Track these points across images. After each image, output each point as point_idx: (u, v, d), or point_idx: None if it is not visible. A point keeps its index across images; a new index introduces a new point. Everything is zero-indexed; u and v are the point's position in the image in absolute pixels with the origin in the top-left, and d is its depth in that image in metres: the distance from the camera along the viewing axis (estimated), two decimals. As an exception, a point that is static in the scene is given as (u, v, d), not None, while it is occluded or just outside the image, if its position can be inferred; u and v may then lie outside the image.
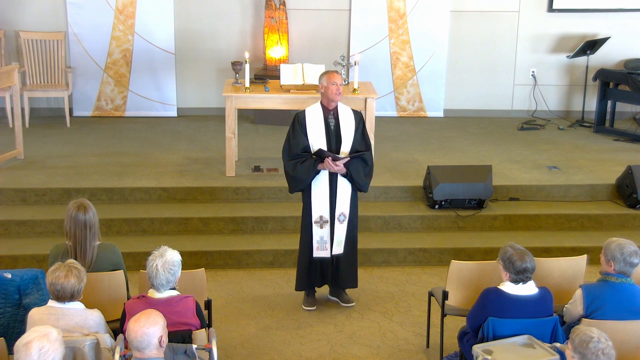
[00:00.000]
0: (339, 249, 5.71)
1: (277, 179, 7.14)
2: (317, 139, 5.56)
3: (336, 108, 5.61)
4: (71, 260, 4.14)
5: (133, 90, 9.27)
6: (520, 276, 4.27)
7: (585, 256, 5.07)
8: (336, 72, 5.62)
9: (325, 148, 5.54)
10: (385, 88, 9.42)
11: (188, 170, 7.47)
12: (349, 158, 5.50)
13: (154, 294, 4.12)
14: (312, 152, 5.54)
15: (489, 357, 4.01)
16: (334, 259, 5.72)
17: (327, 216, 5.64)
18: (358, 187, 5.64)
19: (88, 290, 4.23)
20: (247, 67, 7.17)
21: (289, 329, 5.54)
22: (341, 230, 5.68)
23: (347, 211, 5.66)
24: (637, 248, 4.38)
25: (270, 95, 7.17)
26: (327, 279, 5.78)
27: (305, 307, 5.81)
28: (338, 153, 5.56)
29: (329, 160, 5.46)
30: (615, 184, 7.28)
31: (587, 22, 9.53)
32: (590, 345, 3.49)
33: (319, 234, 5.67)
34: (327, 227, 5.65)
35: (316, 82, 6.98)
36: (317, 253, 5.69)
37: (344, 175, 5.57)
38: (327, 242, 5.68)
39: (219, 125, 8.59)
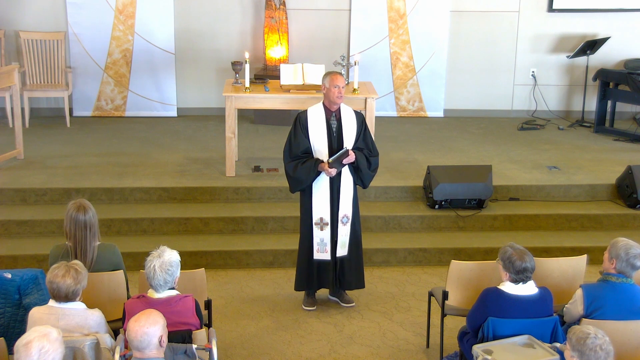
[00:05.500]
0: (342, 251, 5.70)
1: (277, 179, 7.14)
2: (318, 140, 5.55)
3: (339, 109, 5.60)
4: (75, 262, 4.13)
5: (133, 90, 9.27)
6: (520, 276, 4.27)
7: (585, 256, 5.07)
8: (339, 73, 5.58)
9: (326, 149, 5.54)
10: (385, 88, 9.42)
11: (188, 170, 7.47)
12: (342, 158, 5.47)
13: (153, 294, 4.12)
14: (314, 156, 5.55)
15: (489, 357, 4.01)
16: (338, 261, 5.71)
17: (327, 218, 5.63)
18: (361, 180, 5.63)
19: (88, 291, 4.23)
20: (247, 67, 7.17)
21: (289, 329, 5.54)
22: (344, 232, 5.67)
23: (349, 213, 5.65)
24: None
25: (270, 95, 7.17)
26: (325, 282, 5.76)
27: (305, 307, 5.81)
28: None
29: (325, 165, 5.46)
30: (615, 184, 7.28)
31: (587, 22, 9.53)
32: (588, 342, 3.50)
33: (319, 236, 5.66)
34: (328, 229, 5.64)
35: (316, 82, 7.01)
36: (317, 255, 5.68)
37: (351, 164, 5.54)
38: (328, 245, 5.67)
39: (219, 125, 8.59)
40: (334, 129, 5.58)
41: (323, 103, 5.62)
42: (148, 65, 9.19)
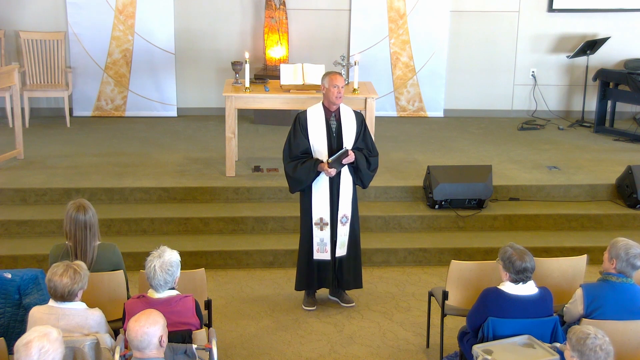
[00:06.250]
0: (341, 250, 5.70)
1: (277, 179, 7.14)
2: (318, 141, 5.55)
3: (338, 110, 5.60)
4: (77, 262, 4.12)
5: (133, 90, 9.27)
6: (520, 276, 4.27)
7: (585, 256, 5.07)
8: (339, 74, 5.57)
9: (326, 149, 5.53)
10: (385, 88, 9.42)
11: (188, 170, 7.47)
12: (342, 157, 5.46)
13: (153, 294, 4.12)
14: (314, 156, 5.54)
15: (489, 357, 4.01)
16: (337, 261, 5.71)
17: (327, 218, 5.63)
18: (360, 180, 5.63)
19: (88, 291, 4.22)
20: (247, 67, 7.17)
21: (289, 329, 5.54)
22: (343, 232, 5.67)
23: (349, 213, 5.65)
24: None
25: (270, 95, 7.17)
26: (325, 282, 5.76)
27: (305, 307, 5.81)
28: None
29: (325, 165, 5.46)
30: (615, 184, 7.28)
31: (587, 22, 9.53)
32: (588, 342, 3.50)
33: (319, 236, 5.66)
34: (327, 229, 5.64)
35: (316, 82, 7.00)
36: (317, 255, 5.68)
37: (350, 164, 5.53)
38: (327, 245, 5.67)
39: (219, 125, 8.59)
40: (334, 129, 5.57)
41: (322, 103, 5.62)
42: (148, 65, 9.20)
